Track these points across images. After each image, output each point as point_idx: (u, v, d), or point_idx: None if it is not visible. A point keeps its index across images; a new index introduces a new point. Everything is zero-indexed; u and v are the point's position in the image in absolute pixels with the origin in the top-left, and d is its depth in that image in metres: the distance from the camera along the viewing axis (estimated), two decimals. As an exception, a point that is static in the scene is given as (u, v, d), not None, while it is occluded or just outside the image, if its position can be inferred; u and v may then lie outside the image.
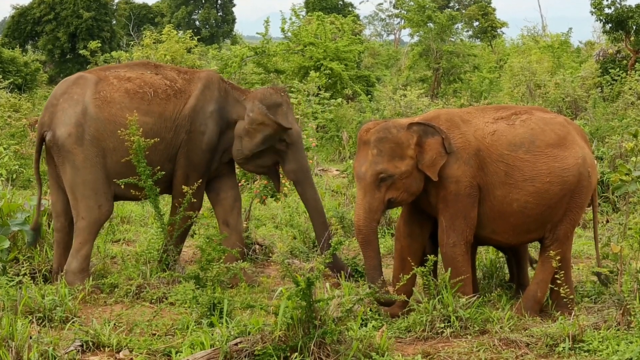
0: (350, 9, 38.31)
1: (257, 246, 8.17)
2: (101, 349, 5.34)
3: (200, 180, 6.96)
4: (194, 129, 7.00)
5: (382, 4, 53.78)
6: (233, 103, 7.22)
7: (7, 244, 6.76)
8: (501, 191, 6.10)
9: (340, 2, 38.29)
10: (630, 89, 17.16)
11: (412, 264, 6.10)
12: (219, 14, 49.18)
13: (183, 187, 6.74)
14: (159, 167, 6.80)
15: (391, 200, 6.16)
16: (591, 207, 6.81)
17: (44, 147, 6.89)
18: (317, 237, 7.40)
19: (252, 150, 7.14)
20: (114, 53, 23.58)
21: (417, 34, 23.97)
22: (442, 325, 5.71)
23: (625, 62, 20.44)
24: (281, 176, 7.70)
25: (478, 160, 6.10)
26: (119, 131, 6.62)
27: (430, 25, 22.88)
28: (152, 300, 6.43)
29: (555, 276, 5.99)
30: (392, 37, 53.62)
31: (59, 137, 6.65)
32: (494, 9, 38.20)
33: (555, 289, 6.10)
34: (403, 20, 31.00)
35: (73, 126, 6.65)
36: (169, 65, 7.63)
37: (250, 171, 7.84)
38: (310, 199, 7.37)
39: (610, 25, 19.91)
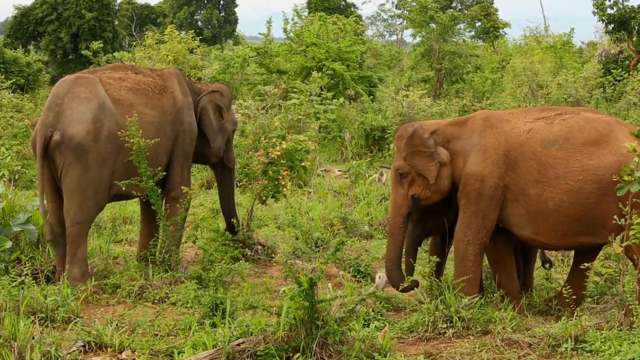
0: (352, 9, 38.29)
1: (260, 246, 8.17)
2: (103, 349, 5.35)
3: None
4: (184, 120, 7.27)
5: (384, 4, 53.73)
6: (195, 96, 7.57)
7: (9, 244, 6.77)
8: (535, 190, 6.05)
9: (343, 3, 38.28)
10: (632, 89, 17.18)
11: (506, 260, 6.38)
12: (221, 14, 49.19)
13: (183, 188, 7.09)
14: (160, 168, 6.94)
15: (415, 197, 6.32)
16: None
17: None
18: (228, 209, 7.95)
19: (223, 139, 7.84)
20: (116, 53, 23.61)
21: (420, 34, 23.94)
22: (445, 325, 5.72)
23: (627, 62, 20.45)
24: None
25: (508, 160, 6.10)
26: (119, 132, 6.65)
27: (433, 25, 22.85)
28: (155, 301, 6.43)
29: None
30: (394, 37, 53.71)
31: (73, 136, 6.53)
32: (496, 10, 38.22)
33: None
34: (405, 21, 31.00)
35: (90, 123, 6.58)
36: (139, 66, 8.09)
37: (211, 163, 8.03)
38: (232, 181, 8.06)
39: (612, 25, 19.92)
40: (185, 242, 7.91)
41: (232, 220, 7.84)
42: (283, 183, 8.16)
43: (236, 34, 48.35)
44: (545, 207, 6.04)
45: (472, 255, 6.15)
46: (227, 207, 7.95)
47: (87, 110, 6.61)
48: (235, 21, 49.91)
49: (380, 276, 7.03)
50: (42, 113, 6.78)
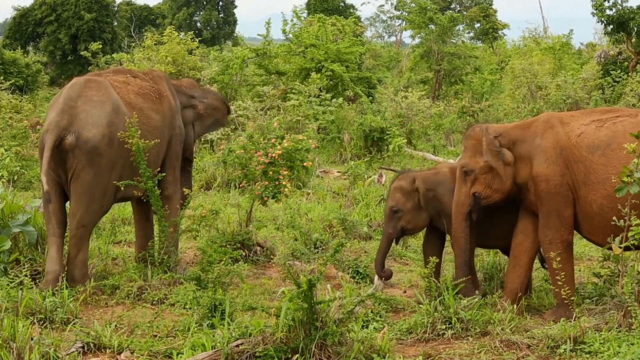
0: (351, 10, 38.27)
1: (258, 248, 8.17)
2: (102, 350, 5.35)
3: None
4: (176, 124, 7.38)
5: (383, 5, 53.78)
6: (180, 96, 7.67)
7: (8, 245, 6.76)
8: (582, 192, 6.20)
9: (342, 4, 38.26)
10: (631, 90, 17.18)
11: (524, 260, 6.38)
12: (220, 15, 49.15)
13: (184, 189, 7.30)
14: (158, 170, 7.03)
15: (476, 195, 6.42)
16: None
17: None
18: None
19: (201, 134, 8.07)
20: (115, 55, 23.56)
21: (419, 35, 23.96)
22: (444, 326, 5.73)
23: (626, 63, 20.45)
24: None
25: (563, 159, 6.23)
26: (118, 134, 6.66)
27: (432, 26, 22.88)
28: (153, 302, 6.43)
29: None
30: (393, 38, 53.72)
31: (89, 139, 6.48)
32: (495, 11, 38.19)
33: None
34: (404, 22, 31.00)
35: (105, 126, 6.57)
36: (132, 69, 8.13)
37: (185, 156, 7.95)
38: (191, 171, 8.20)
39: (611, 26, 19.91)
40: (184, 236, 7.90)
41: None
42: (284, 183, 8.15)
43: (235, 35, 48.29)
44: (590, 209, 6.19)
45: (556, 253, 6.16)
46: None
47: (102, 113, 6.59)
48: (234, 22, 49.87)
49: (379, 277, 7.03)
50: (54, 115, 6.56)
